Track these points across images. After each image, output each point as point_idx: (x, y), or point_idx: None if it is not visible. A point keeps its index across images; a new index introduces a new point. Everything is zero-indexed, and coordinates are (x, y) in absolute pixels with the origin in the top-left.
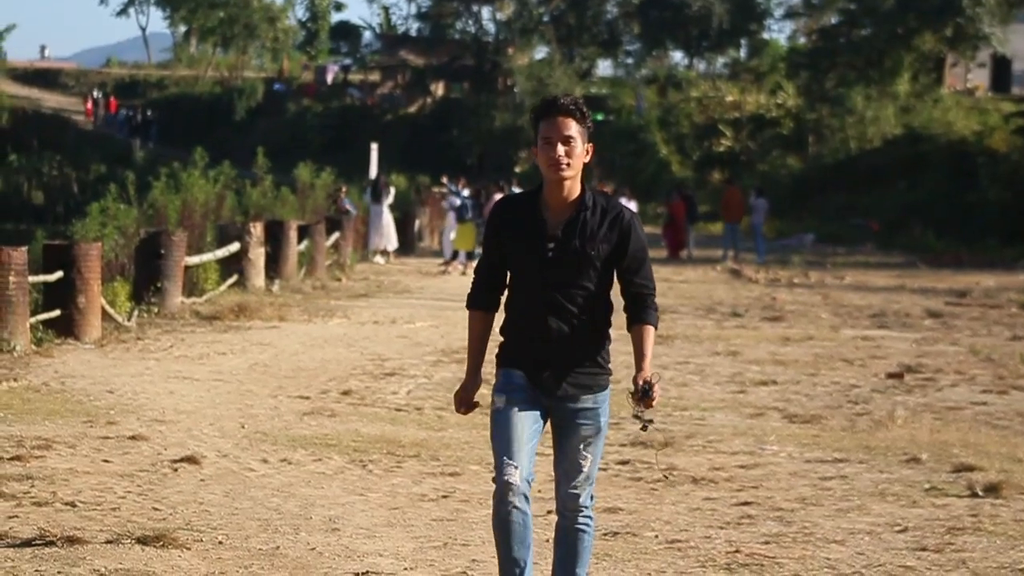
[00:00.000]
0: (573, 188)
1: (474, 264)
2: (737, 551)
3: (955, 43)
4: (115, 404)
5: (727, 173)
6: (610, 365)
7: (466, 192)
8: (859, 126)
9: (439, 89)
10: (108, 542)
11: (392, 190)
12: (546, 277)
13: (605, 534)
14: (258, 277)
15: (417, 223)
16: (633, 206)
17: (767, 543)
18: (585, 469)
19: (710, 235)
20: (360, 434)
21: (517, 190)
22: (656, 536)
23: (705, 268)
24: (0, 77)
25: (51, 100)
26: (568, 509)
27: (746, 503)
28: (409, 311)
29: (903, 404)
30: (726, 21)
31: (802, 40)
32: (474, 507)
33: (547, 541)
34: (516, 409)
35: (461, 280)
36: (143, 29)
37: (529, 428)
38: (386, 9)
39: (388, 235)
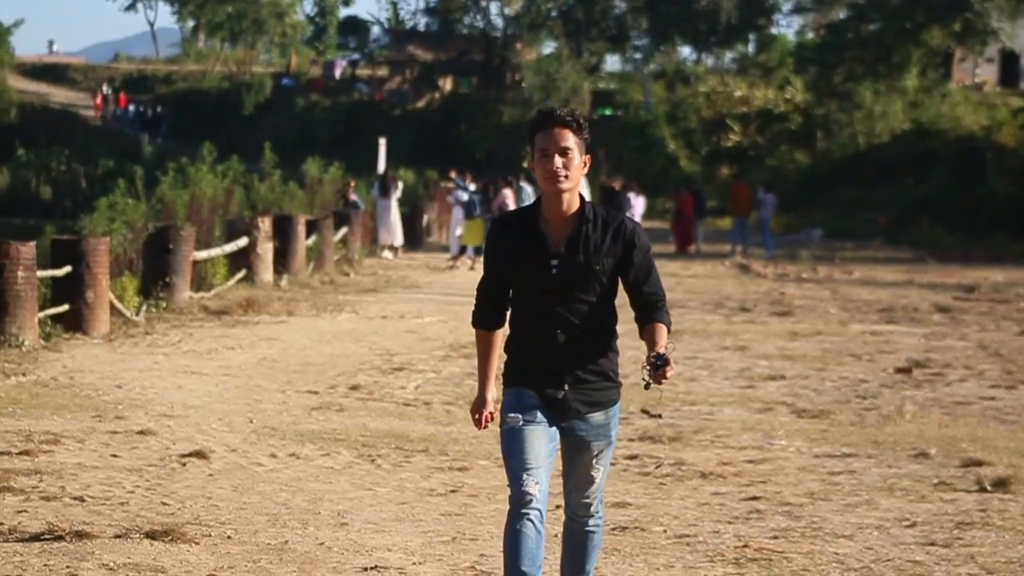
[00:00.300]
0: (572, 201)
1: (482, 259)
2: (746, 546)
3: (963, 38)
4: (123, 399)
5: (735, 168)
6: (619, 385)
7: (473, 187)
8: (867, 121)
9: (447, 84)
10: (117, 537)
11: (400, 184)
12: (552, 293)
13: (613, 529)
14: (266, 272)
15: (425, 218)
16: (641, 201)
17: (775, 538)
18: (597, 480)
19: (719, 230)
20: (368, 429)
21: (526, 185)
22: (665, 531)
23: (713, 263)
24: (8, 72)
25: (59, 95)
26: (579, 516)
27: (754, 498)
28: (417, 306)
29: (911, 399)
30: (734, 16)
31: (810, 35)
32: (483, 502)
33: (555, 536)
34: (531, 428)
35: (469, 275)
36: (151, 24)
37: (545, 446)
38: (394, 4)
39: (395, 230)
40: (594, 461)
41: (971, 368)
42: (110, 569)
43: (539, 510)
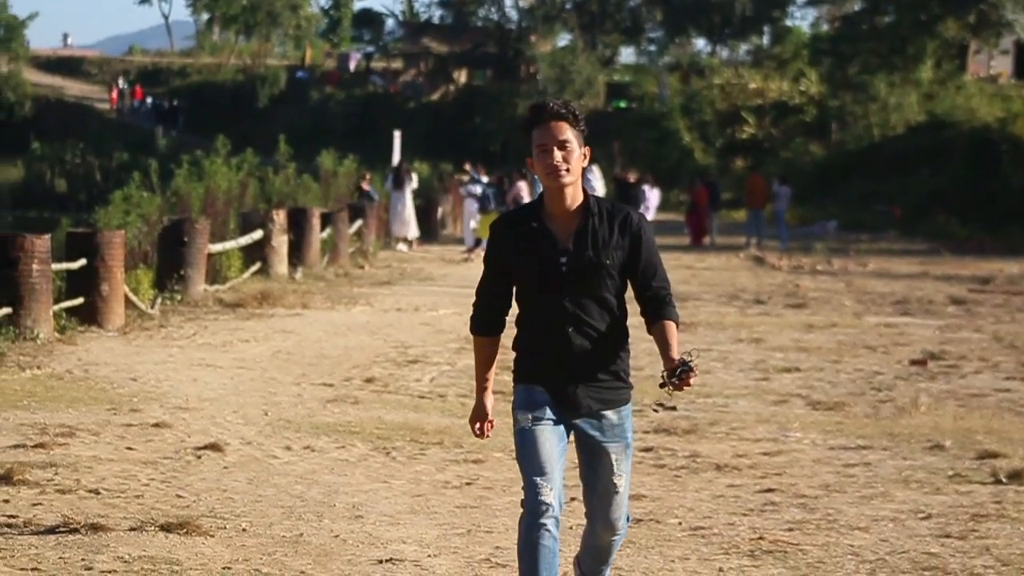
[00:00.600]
0: (576, 195)
1: (483, 261)
2: (761, 538)
3: (978, 30)
4: (138, 392)
5: (750, 160)
6: (630, 379)
7: (486, 180)
8: (882, 113)
9: (462, 77)
10: (132, 529)
11: (414, 176)
12: (562, 291)
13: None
14: (281, 265)
15: (440, 211)
16: (656, 194)
17: (790, 530)
18: (621, 489)
19: (733, 222)
20: (383, 421)
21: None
22: (680, 523)
23: (728, 255)
24: (23, 65)
25: (74, 88)
26: (604, 532)
27: (769, 490)
28: (432, 299)
29: (926, 391)
30: (749, 8)
31: (825, 27)
32: (497, 494)
33: (571, 528)
34: (542, 427)
35: None
36: (166, 17)
37: (557, 446)
38: None
39: (409, 223)
40: (614, 467)
41: (986, 360)
42: (125, 562)
43: (555, 518)
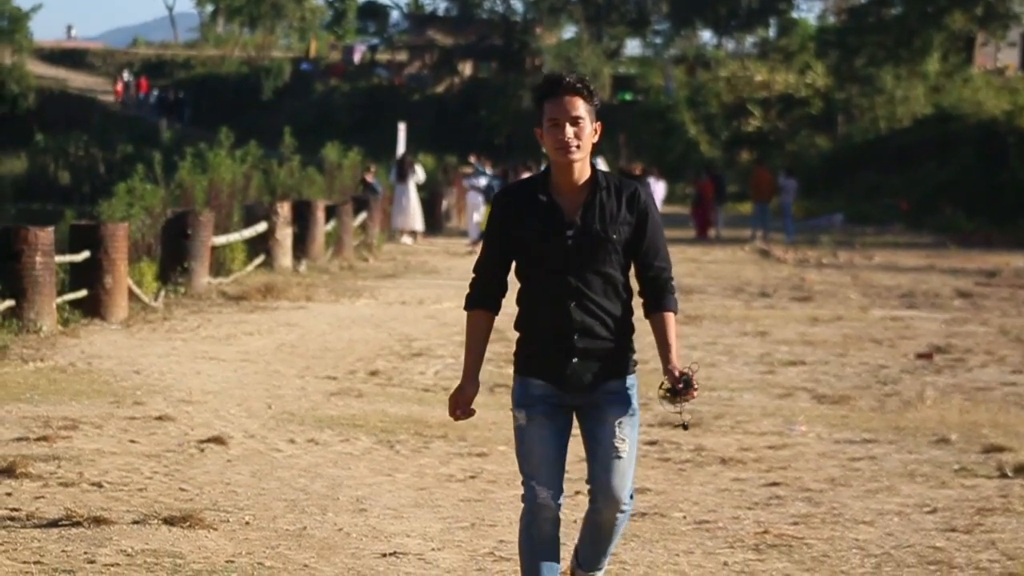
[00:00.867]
0: (584, 169)
1: (484, 234)
2: (766, 532)
3: (985, 22)
4: (142, 384)
5: (756, 153)
6: (635, 353)
7: (490, 171)
8: (889, 106)
9: (467, 69)
10: (135, 522)
11: (419, 169)
12: (567, 266)
13: (633, 515)
14: (285, 257)
15: (444, 203)
16: (662, 186)
17: (796, 524)
18: (623, 454)
19: (739, 215)
20: (387, 414)
21: None
22: (684, 516)
23: (734, 248)
24: (27, 57)
25: (78, 80)
26: (609, 506)
27: (775, 484)
28: (436, 291)
29: (932, 385)
30: (755, 0)
31: (832, 19)
32: (501, 487)
33: (574, 522)
34: (540, 425)
35: None
36: (170, 9)
37: (556, 443)
38: None
39: (414, 215)
40: (616, 431)
41: (992, 354)
42: (128, 555)
43: (555, 515)
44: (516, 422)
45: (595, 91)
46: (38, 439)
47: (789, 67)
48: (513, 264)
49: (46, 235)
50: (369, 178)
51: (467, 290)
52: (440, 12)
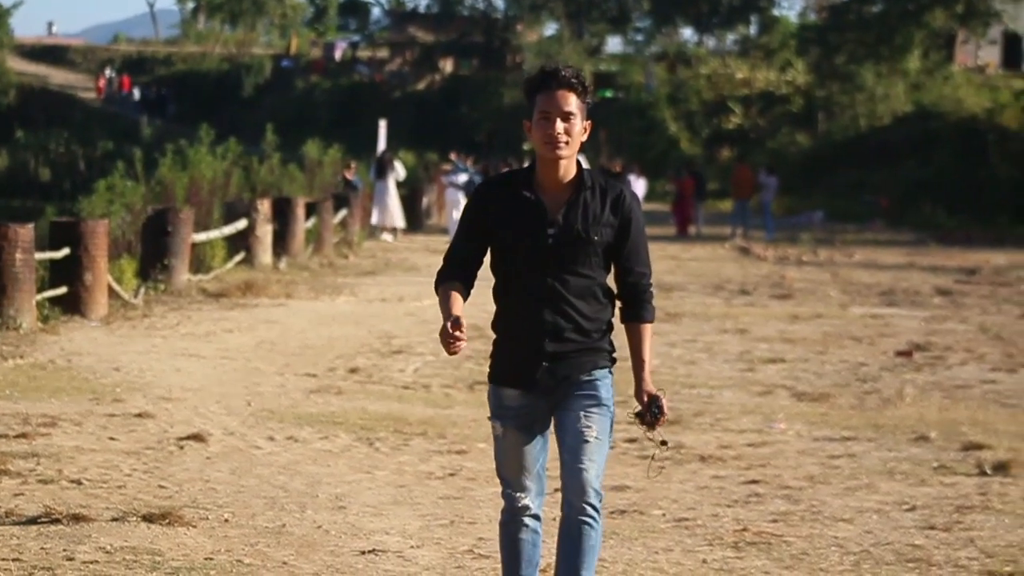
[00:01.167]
0: (570, 167)
1: (460, 222)
2: (745, 529)
3: (966, 20)
4: (121, 381)
5: (736, 150)
6: (614, 352)
7: (471, 168)
8: (869, 103)
9: (448, 66)
10: (114, 520)
11: (398, 165)
12: (544, 265)
13: (612, 512)
14: (265, 254)
15: (425, 200)
16: (642, 183)
17: (775, 521)
18: (590, 439)
19: (719, 212)
20: (367, 412)
21: None
22: (663, 514)
23: (714, 246)
24: (7, 53)
25: (58, 76)
26: (574, 492)
27: (754, 481)
28: (417, 289)
29: (912, 382)
30: None
31: (812, 17)
32: (481, 485)
33: (553, 519)
34: (515, 436)
35: None
36: (151, 5)
37: (532, 452)
38: None
39: (394, 212)
40: (583, 416)
41: (972, 351)
42: (107, 552)
43: (533, 516)
44: (493, 431)
45: (589, 87)
46: (17, 436)
47: (770, 64)
48: (487, 259)
49: (26, 232)
50: (349, 175)
51: (436, 274)
52: (421, 9)
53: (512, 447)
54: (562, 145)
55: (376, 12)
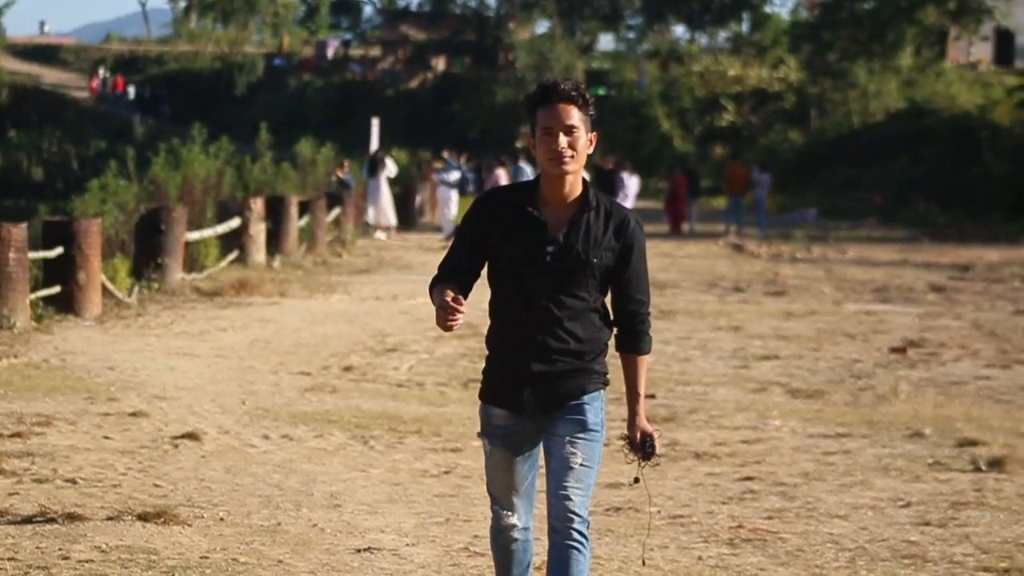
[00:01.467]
0: (575, 184)
1: (458, 231)
2: (740, 526)
3: (958, 16)
4: (115, 380)
5: (729, 148)
6: (606, 374)
7: (464, 166)
8: (862, 100)
9: (440, 64)
10: (109, 519)
11: (390, 162)
12: (540, 284)
13: (607, 509)
14: (259, 253)
15: (418, 198)
16: (635, 181)
17: (770, 518)
18: (575, 466)
19: (712, 210)
20: (361, 410)
21: (525, 166)
22: (659, 511)
23: (707, 243)
24: None
25: (51, 76)
26: (558, 519)
27: (749, 478)
28: (411, 287)
29: (906, 379)
30: None
31: (804, 14)
32: (476, 483)
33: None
34: (502, 455)
35: None
36: (143, 4)
37: (520, 471)
38: None
39: (386, 210)
40: (568, 444)
41: (966, 348)
42: (102, 551)
43: (521, 533)
44: (483, 448)
45: (591, 99)
46: (12, 435)
47: (762, 62)
48: (484, 271)
49: (19, 231)
50: (341, 174)
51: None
52: (413, 7)
53: (500, 466)
54: (567, 160)
55: (368, 10)
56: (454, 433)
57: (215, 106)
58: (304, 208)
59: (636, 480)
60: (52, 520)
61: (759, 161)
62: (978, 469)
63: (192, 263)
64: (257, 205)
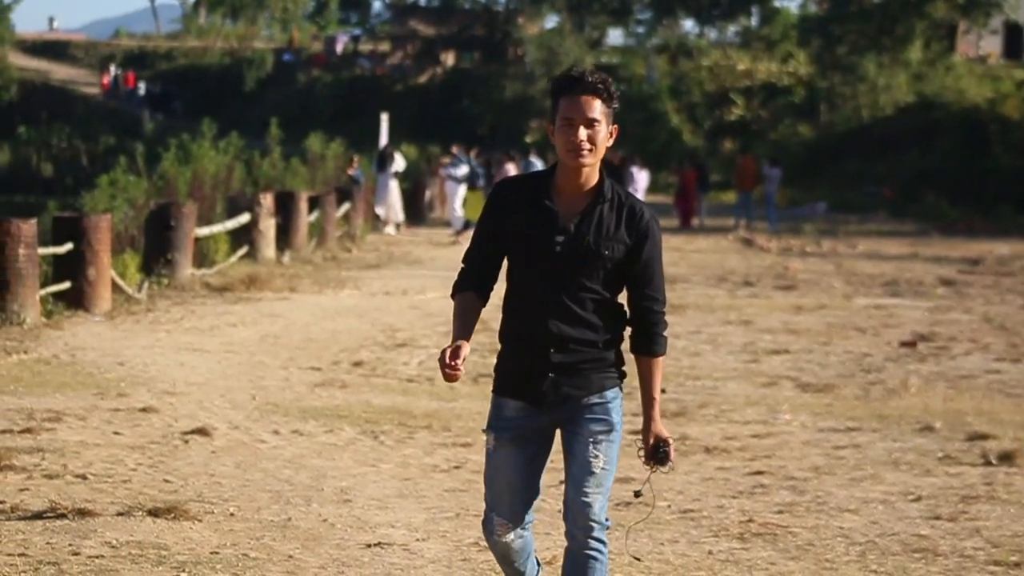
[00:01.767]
0: (591, 176)
1: (477, 224)
2: (750, 520)
3: (967, 10)
4: (125, 376)
5: (738, 142)
6: (623, 365)
7: (474, 160)
8: (871, 94)
9: (449, 59)
10: (119, 514)
11: (399, 157)
12: (552, 273)
13: (618, 504)
14: (268, 248)
15: (428, 193)
16: (645, 175)
17: (780, 512)
18: (596, 470)
19: (722, 204)
20: (371, 405)
21: (536, 160)
22: (669, 506)
23: (717, 237)
24: (9, 49)
25: (60, 72)
26: (578, 525)
27: (759, 472)
28: (420, 282)
29: (916, 373)
30: None
31: (813, 7)
32: None
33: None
34: (508, 451)
35: None
36: (152, 0)
37: (523, 470)
38: None
39: (394, 206)
40: (591, 444)
41: (976, 341)
42: (113, 547)
43: (515, 539)
44: (486, 446)
45: (615, 92)
46: (22, 431)
47: (771, 56)
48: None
49: (29, 227)
50: (351, 170)
51: (455, 279)
52: (422, 2)
53: (504, 462)
54: (585, 153)
55: (377, 5)
56: (464, 428)
57: (224, 102)
58: (314, 203)
59: (637, 494)
60: (62, 516)
61: (770, 155)
62: (988, 463)
63: (202, 258)
64: (267, 200)
